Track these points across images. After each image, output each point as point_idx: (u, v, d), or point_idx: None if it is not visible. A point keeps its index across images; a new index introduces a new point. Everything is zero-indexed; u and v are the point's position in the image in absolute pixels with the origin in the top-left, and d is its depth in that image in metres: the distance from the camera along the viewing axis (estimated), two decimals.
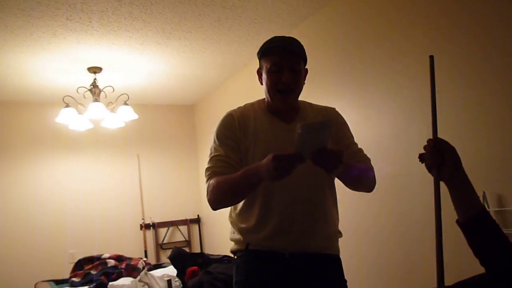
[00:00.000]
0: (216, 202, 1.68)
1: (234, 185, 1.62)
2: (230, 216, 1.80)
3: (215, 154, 1.72)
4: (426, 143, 1.22)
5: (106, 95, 4.24)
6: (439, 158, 1.18)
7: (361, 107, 2.99)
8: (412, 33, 2.60)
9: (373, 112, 2.90)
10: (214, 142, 1.76)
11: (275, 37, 1.77)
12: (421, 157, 1.22)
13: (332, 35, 3.29)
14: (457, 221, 1.17)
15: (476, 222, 1.14)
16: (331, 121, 1.50)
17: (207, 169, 1.72)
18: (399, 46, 2.69)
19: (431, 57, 1.31)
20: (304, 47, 1.76)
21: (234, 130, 1.73)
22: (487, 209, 1.16)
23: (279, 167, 1.41)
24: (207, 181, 1.70)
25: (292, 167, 1.42)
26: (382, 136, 2.81)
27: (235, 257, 1.77)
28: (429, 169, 1.21)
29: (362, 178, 1.73)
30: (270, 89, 1.70)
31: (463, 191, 1.17)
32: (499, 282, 1.12)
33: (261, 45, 1.76)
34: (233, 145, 1.71)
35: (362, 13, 3.00)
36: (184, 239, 5.78)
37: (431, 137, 1.23)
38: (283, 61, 1.67)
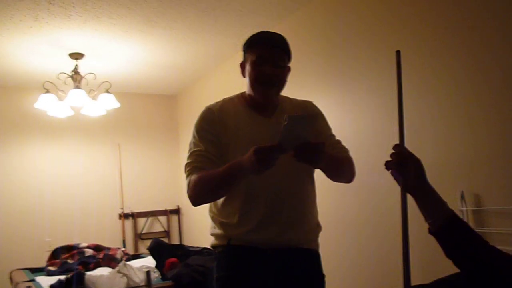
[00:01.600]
0: (198, 198, 1.67)
1: (217, 181, 1.62)
2: (211, 210, 1.80)
3: (195, 149, 1.71)
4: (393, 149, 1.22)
5: (87, 82, 4.16)
6: (404, 169, 1.18)
7: (343, 101, 3.01)
8: (395, 30, 2.62)
9: (354, 107, 2.93)
10: (194, 137, 1.75)
11: (262, 31, 1.79)
12: (387, 165, 1.21)
13: (317, 30, 3.29)
14: (429, 231, 1.17)
15: (447, 229, 1.14)
16: (315, 115, 1.55)
17: (186, 165, 1.71)
18: (381, 42, 2.71)
19: (398, 52, 1.31)
20: (289, 40, 1.77)
21: (214, 125, 1.72)
22: (457, 215, 1.16)
23: (261, 159, 1.42)
24: (187, 176, 1.69)
25: (274, 159, 1.44)
26: (362, 131, 2.84)
27: (216, 252, 1.77)
28: (395, 178, 1.22)
29: (343, 168, 1.76)
30: (253, 81, 1.70)
31: (429, 201, 1.18)
32: (477, 284, 1.13)
33: (247, 38, 1.76)
34: (213, 140, 1.71)
35: (347, 9, 3.01)
36: (163, 230, 5.75)
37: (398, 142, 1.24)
38: (268, 54, 1.68)
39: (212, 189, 1.65)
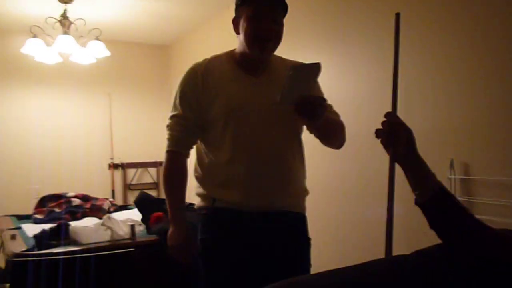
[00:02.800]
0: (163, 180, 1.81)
1: (166, 195, 1.79)
2: (196, 171, 1.79)
3: (175, 113, 1.75)
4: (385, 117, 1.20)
5: (77, 28, 4.01)
6: (394, 139, 1.17)
7: (340, 63, 2.94)
8: None
9: (351, 70, 2.86)
10: (176, 97, 1.76)
11: None
12: (377, 133, 1.20)
13: None
14: (416, 202, 1.16)
15: (434, 201, 1.13)
16: (319, 63, 1.48)
17: (167, 127, 1.77)
18: (379, 3, 2.62)
19: (397, 15, 1.27)
20: None
21: (196, 87, 1.71)
22: (445, 187, 1.15)
23: (174, 253, 1.74)
24: (167, 145, 1.77)
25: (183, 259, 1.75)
26: (357, 95, 2.79)
27: (201, 213, 1.76)
28: (384, 147, 1.20)
29: (336, 132, 1.75)
30: (250, 38, 1.64)
31: (418, 172, 1.16)
32: (458, 256, 1.13)
33: None
34: (192, 105, 1.71)
35: None
36: (152, 181, 5.76)
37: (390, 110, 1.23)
38: (265, 10, 1.63)
39: (165, 191, 1.80)
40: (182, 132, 1.73)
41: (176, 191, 1.75)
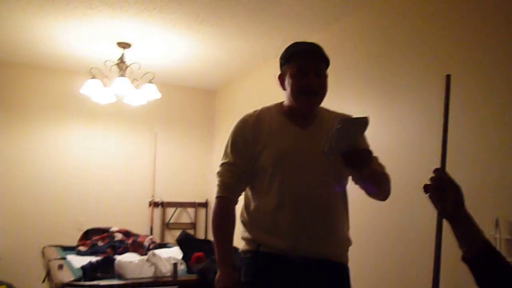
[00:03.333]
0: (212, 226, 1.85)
1: (215, 238, 1.80)
2: (242, 215, 1.84)
3: (226, 160, 1.81)
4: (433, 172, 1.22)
5: (132, 71, 4.27)
6: (443, 194, 1.18)
7: (384, 115, 2.98)
8: (440, 49, 2.58)
9: (395, 122, 2.89)
10: (227, 145, 1.83)
11: (298, 42, 1.81)
12: (426, 188, 1.21)
13: (364, 39, 3.27)
14: (463, 258, 1.16)
15: (481, 258, 1.13)
16: (367, 118, 1.53)
17: (218, 174, 1.82)
18: (427, 60, 2.67)
19: (448, 76, 1.30)
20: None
21: (247, 136, 1.78)
22: (492, 244, 1.16)
23: None
24: (217, 191, 1.81)
25: None
26: (400, 146, 2.81)
27: (245, 257, 1.80)
28: (433, 202, 1.21)
29: (381, 183, 1.77)
30: (296, 92, 1.73)
31: (465, 229, 1.17)
32: None
33: (291, 41, 1.79)
34: (243, 153, 1.78)
35: (395, 21, 2.97)
36: (190, 221, 5.83)
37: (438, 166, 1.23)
38: (308, 65, 1.71)
39: (214, 236, 1.83)
40: (232, 179, 1.78)
41: (225, 235, 1.78)
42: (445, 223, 1.22)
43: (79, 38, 4.13)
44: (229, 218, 1.79)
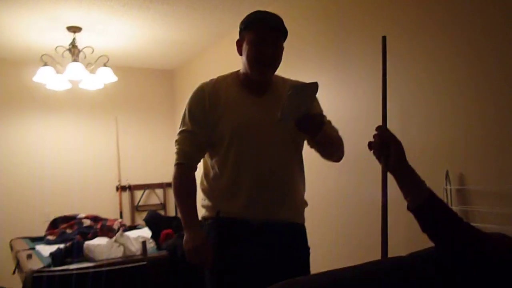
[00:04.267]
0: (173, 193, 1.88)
1: (178, 204, 1.85)
2: (202, 183, 1.89)
3: (184, 128, 1.83)
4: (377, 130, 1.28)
5: (85, 56, 4.18)
6: (386, 149, 1.25)
7: (339, 81, 3.06)
8: (395, 15, 2.65)
9: (350, 88, 2.98)
10: (184, 113, 1.85)
11: (260, 11, 1.84)
12: (370, 145, 1.29)
13: (316, 9, 3.31)
14: (408, 208, 1.24)
15: (425, 206, 1.21)
16: (316, 83, 1.58)
17: (176, 141, 1.85)
18: (381, 24, 2.75)
19: (384, 38, 1.37)
20: (287, 17, 1.83)
21: (204, 104, 1.81)
22: (434, 193, 1.23)
23: (192, 257, 1.73)
24: (176, 159, 1.84)
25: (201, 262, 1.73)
26: (355, 111, 2.90)
27: (206, 223, 1.85)
28: (377, 158, 1.29)
29: (335, 146, 1.85)
30: (252, 61, 1.76)
31: (408, 180, 1.24)
32: (450, 257, 1.21)
33: (244, 15, 1.81)
34: (200, 121, 1.81)
35: None
36: (159, 202, 5.86)
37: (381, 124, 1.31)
38: (267, 35, 1.74)
39: (177, 202, 1.86)
40: (190, 147, 1.81)
41: (187, 199, 1.81)
42: (390, 177, 1.30)
43: (26, 25, 4.01)
44: (190, 182, 1.82)
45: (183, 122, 1.85)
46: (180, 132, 1.84)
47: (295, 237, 1.85)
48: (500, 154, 2.09)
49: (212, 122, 1.79)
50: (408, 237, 2.30)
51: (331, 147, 1.84)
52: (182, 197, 1.82)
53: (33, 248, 3.29)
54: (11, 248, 3.58)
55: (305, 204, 1.91)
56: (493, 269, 1.13)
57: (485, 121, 2.15)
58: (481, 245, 1.17)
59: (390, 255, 1.35)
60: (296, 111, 1.57)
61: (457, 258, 1.19)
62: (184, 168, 1.83)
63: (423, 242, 1.27)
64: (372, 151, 1.30)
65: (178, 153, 1.83)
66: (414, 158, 2.00)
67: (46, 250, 3.11)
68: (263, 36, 1.73)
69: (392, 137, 1.27)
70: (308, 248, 1.89)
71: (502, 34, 2.07)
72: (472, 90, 2.20)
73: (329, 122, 1.90)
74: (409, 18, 2.54)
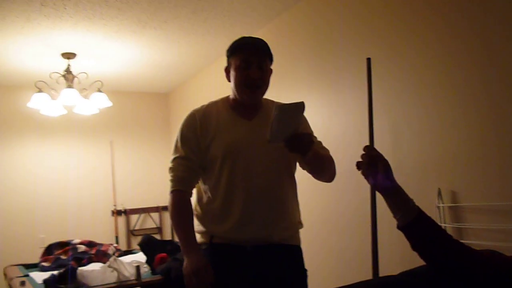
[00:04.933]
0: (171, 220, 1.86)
1: (176, 230, 1.81)
2: (195, 209, 1.89)
3: (177, 155, 1.84)
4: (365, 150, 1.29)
5: (79, 81, 4.22)
6: (373, 169, 1.26)
7: (329, 102, 3.09)
8: (382, 35, 2.70)
9: (340, 107, 3.00)
10: (177, 140, 1.86)
11: (244, 37, 1.88)
12: (358, 165, 1.29)
13: (305, 31, 3.36)
14: (398, 226, 1.25)
15: (414, 224, 1.22)
16: (302, 102, 1.60)
17: (170, 169, 1.84)
18: (367, 45, 2.79)
19: (368, 59, 1.39)
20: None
21: (195, 130, 1.82)
22: (422, 211, 1.24)
23: (192, 281, 1.67)
24: (170, 187, 1.83)
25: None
26: (347, 131, 2.92)
27: (201, 249, 1.83)
28: (365, 177, 1.29)
29: (326, 166, 1.85)
30: (239, 85, 1.78)
31: (396, 198, 1.25)
32: (440, 275, 1.21)
33: (236, 38, 1.85)
34: (193, 147, 1.82)
35: (335, 11, 3.08)
36: (155, 226, 5.83)
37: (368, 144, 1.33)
38: (251, 58, 1.77)
39: (175, 227, 1.83)
40: (185, 172, 1.80)
41: (185, 224, 1.79)
42: (378, 196, 1.31)
43: (21, 52, 4.06)
44: (187, 208, 1.82)
45: (176, 149, 1.85)
46: (174, 160, 1.84)
47: (291, 260, 1.83)
48: (492, 170, 2.10)
49: (204, 146, 1.80)
50: (401, 256, 2.29)
51: (322, 167, 1.84)
52: (180, 224, 1.80)
53: (27, 275, 3.25)
54: (5, 276, 3.54)
55: (300, 225, 1.90)
56: (484, 286, 1.13)
57: (476, 138, 2.17)
58: (472, 262, 1.17)
59: (383, 273, 1.35)
60: (284, 131, 1.58)
61: (448, 276, 1.19)
62: (180, 194, 1.82)
63: (416, 260, 1.27)
64: (360, 171, 1.31)
65: (173, 180, 1.83)
66: (405, 176, 2.03)
67: (40, 276, 3.07)
68: (248, 59, 1.76)
69: (379, 156, 1.28)
70: (305, 271, 1.87)
71: (490, 50, 2.10)
72: (462, 107, 2.22)
73: (320, 142, 1.91)
74: (396, 38, 2.58)
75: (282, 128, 1.56)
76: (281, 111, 1.51)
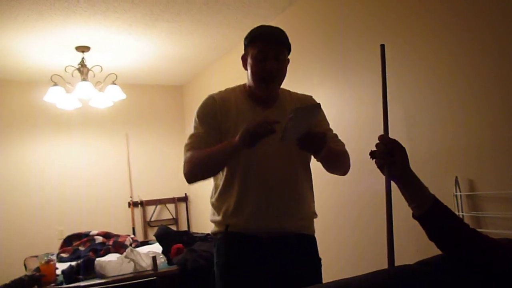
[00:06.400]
0: (191, 174, 1.78)
1: (209, 156, 1.72)
2: (211, 198, 1.89)
3: (195, 132, 1.80)
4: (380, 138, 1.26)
5: (94, 74, 4.26)
6: (389, 158, 1.22)
7: (343, 92, 3.06)
8: (395, 22, 2.67)
9: (354, 98, 2.98)
10: (195, 121, 1.84)
11: (262, 26, 1.86)
12: (372, 154, 1.26)
13: (317, 20, 3.34)
14: (413, 216, 1.23)
15: (430, 213, 1.20)
16: (319, 104, 1.59)
17: (185, 146, 1.80)
18: (381, 32, 2.76)
19: (382, 46, 1.37)
20: (290, 32, 1.83)
21: (215, 111, 1.80)
22: (438, 200, 1.22)
23: (250, 133, 1.57)
24: (184, 156, 1.78)
25: (262, 134, 1.56)
26: (360, 121, 2.90)
27: (216, 238, 1.85)
28: (380, 167, 1.26)
29: (340, 161, 1.84)
30: (255, 76, 1.77)
31: (412, 187, 1.23)
32: (461, 265, 1.20)
33: (249, 30, 1.83)
34: (213, 124, 1.79)
35: (347, 0, 3.04)
36: (171, 217, 5.88)
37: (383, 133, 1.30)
38: (269, 49, 1.74)
39: (203, 164, 1.75)
40: (202, 145, 1.75)
41: (208, 150, 1.73)
42: (393, 185, 1.29)
43: (34, 48, 4.10)
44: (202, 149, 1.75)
45: (194, 129, 1.82)
46: (190, 137, 1.81)
47: (305, 249, 1.84)
48: (509, 158, 2.06)
49: (224, 129, 1.78)
50: (417, 245, 2.28)
51: (335, 163, 1.84)
52: (205, 154, 1.73)
53: None
54: (25, 267, 3.61)
55: (314, 215, 1.90)
56: (502, 275, 1.12)
57: (494, 125, 2.13)
58: (489, 251, 1.16)
59: (399, 263, 1.34)
60: (297, 131, 1.57)
61: (465, 265, 1.18)
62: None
63: (433, 250, 1.26)
64: (374, 160, 1.28)
65: (187, 150, 1.78)
66: (421, 164, 2.00)
67: (59, 267, 3.13)
68: (265, 50, 1.74)
69: (396, 143, 1.25)
70: (319, 259, 1.87)
71: (505, 34, 2.06)
72: (480, 96, 2.19)
73: (335, 135, 1.90)
74: (409, 25, 2.54)
75: (295, 129, 1.55)
76: (297, 114, 1.49)
